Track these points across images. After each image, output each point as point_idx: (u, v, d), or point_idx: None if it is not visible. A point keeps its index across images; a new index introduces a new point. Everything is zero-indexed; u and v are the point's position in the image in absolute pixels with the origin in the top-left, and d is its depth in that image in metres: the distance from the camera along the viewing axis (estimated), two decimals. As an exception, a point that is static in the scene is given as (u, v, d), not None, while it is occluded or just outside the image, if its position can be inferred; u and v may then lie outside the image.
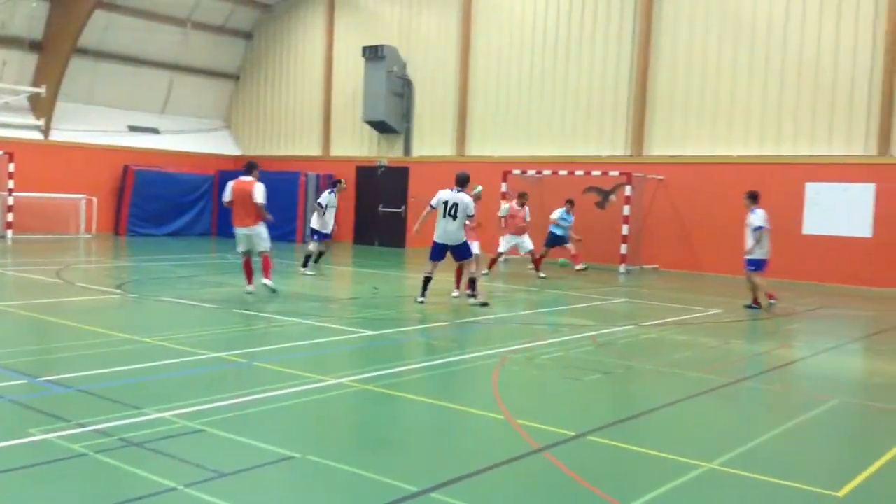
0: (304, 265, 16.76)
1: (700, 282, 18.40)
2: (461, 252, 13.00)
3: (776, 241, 19.08)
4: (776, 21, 19.41)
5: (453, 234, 12.78)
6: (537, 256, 18.12)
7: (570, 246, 18.64)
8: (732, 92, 20.01)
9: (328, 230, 17.04)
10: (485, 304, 12.79)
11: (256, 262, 13.07)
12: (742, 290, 16.91)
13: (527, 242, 18.04)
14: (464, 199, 12.76)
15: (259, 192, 12.70)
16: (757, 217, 13.83)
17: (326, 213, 16.91)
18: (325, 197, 17.07)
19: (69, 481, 4.74)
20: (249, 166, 13.14)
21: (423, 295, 12.81)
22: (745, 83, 19.84)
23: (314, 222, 16.99)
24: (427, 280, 12.84)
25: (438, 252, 12.97)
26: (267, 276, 12.92)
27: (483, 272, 17.96)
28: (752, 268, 13.94)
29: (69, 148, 25.13)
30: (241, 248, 13.09)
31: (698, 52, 20.46)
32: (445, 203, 12.76)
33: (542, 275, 17.81)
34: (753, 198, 14.05)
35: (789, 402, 7.72)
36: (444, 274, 14.08)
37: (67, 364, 7.78)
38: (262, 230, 12.96)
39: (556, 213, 18.61)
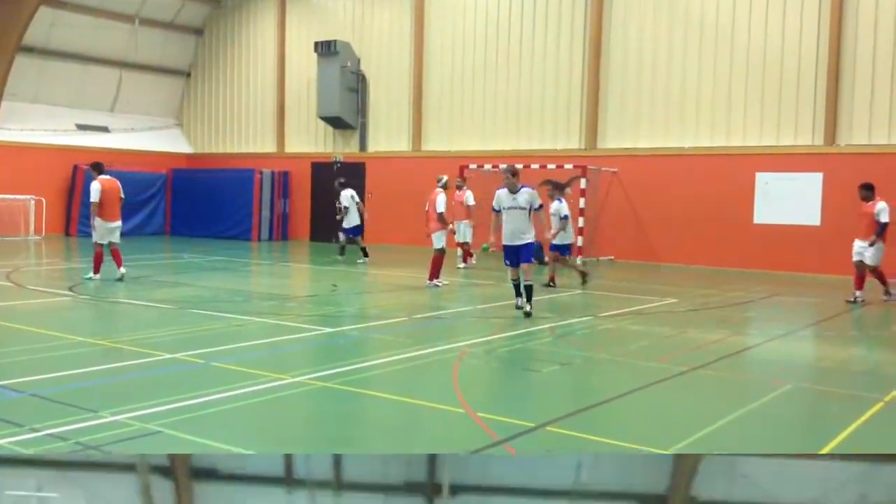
0: (365, 255, 19.18)
1: (655, 272, 18.64)
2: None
3: (727, 231, 19.46)
4: (724, 15, 19.73)
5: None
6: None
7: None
8: (683, 85, 20.30)
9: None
10: (528, 314, 11.12)
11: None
12: (693, 279, 17.19)
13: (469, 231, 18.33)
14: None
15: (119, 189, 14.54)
16: (564, 206, 14.87)
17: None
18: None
19: (23, 487, 4.65)
20: (102, 166, 14.53)
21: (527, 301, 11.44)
22: (695, 77, 20.14)
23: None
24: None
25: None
26: (120, 266, 14.20)
27: (462, 265, 18.02)
28: (555, 251, 14.99)
29: (16, 148, 24.60)
30: (107, 240, 14.26)
31: (649, 47, 20.71)
32: None
33: (462, 266, 18.03)
34: (559, 188, 15.17)
35: (744, 388, 7.85)
36: (457, 280, 13.98)
37: (20, 368, 7.61)
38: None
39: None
